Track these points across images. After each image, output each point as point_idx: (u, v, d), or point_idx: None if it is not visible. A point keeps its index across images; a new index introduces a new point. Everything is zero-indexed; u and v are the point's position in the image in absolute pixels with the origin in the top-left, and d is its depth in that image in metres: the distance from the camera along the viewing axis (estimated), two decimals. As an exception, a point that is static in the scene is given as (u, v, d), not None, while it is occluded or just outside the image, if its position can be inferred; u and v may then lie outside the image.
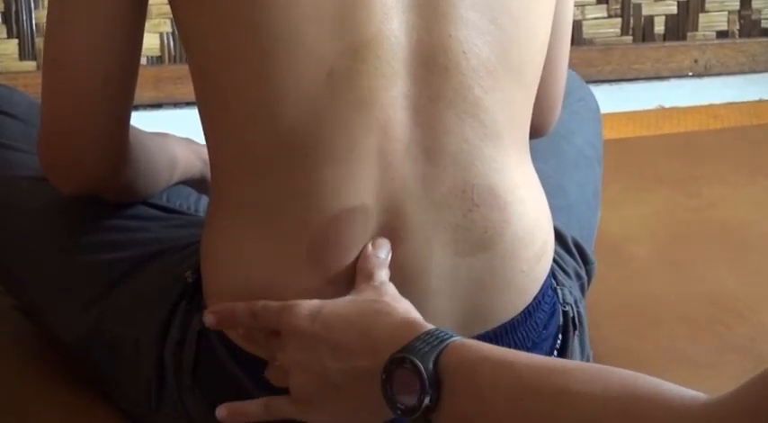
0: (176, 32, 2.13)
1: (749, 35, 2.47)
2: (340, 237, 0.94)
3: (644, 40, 2.41)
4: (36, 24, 2.11)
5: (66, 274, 1.18)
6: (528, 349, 1.02)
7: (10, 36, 2.12)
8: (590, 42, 2.38)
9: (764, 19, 2.47)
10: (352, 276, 0.95)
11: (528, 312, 1.02)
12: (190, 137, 1.29)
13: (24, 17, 2.11)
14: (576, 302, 1.13)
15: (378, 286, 0.92)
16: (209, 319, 0.96)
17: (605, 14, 2.39)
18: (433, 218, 0.96)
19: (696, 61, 2.42)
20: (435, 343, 0.83)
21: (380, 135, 0.94)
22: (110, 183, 1.10)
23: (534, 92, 1.03)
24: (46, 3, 2.09)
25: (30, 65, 2.13)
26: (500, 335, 1.00)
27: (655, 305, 1.51)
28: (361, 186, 0.94)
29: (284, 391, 0.93)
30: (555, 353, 1.08)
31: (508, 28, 0.96)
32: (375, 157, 0.94)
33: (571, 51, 1.16)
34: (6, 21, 2.11)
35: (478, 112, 0.96)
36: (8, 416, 1.23)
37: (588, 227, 1.34)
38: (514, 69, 0.97)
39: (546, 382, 0.77)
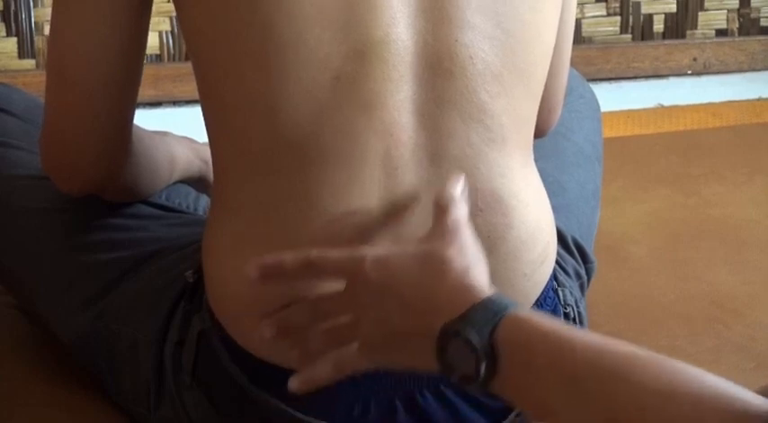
0: (175, 31, 2.13)
1: (748, 34, 2.47)
2: (341, 239, 0.94)
3: (643, 38, 2.41)
4: (35, 23, 2.11)
5: (65, 272, 1.18)
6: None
7: (9, 34, 2.12)
8: (589, 41, 2.38)
9: (763, 17, 2.47)
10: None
11: (529, 314, 1.02)
12: (189, 135, 1.29)
13: (23, 15, 2.10)
14: (576, 303, 1.13)
15: (449, 229, 0.88)
16: (251, 272, 0.90)
17: (604, 13, 2.38)
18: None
19: (695, 60, 2.42)
20: (491, 315, 0.82)
21: (386, 138, 0.94)
22: (111, 182, 1.10)
23: (540, 96, 1.02)
24: (45, 1, 2.09)
25: (29, 63, 2.13)
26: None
27: (654, 304, 1.51)
28: (364, 189, 0.94)
29: (285, 383, 0.93)
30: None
31: (514, 32, 0.96)
32: (380, 160, 0.94)
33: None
34: (5, 19, 2.10)
35: (484, 116, 0.96)
36: (7, 415, 1.23)
37: (588, 225, 1.34)
38: (520, 74, 0.97)
39: (604, 366, 0.76)
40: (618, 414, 0.75)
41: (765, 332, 1.45)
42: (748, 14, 2.46)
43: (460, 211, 0.90)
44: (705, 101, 2.29)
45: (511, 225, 0.99)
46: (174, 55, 2.17)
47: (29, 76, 2.06)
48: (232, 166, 0.98)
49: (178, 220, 1.21)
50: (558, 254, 1.18)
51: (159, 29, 2.14)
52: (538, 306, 1.03)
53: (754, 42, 2.46)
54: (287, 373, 0.92)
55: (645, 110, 2.25)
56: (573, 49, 1.18)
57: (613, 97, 2.25)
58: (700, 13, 2.43)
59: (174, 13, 0.99)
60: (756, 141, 2.10)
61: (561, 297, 1.11)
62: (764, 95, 2.34)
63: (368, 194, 0.94)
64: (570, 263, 1.23)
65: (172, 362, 1.07)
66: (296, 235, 0.95)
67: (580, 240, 1.27)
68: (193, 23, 0.95)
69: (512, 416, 1.02)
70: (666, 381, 0.74)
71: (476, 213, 0.96)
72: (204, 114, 1.00)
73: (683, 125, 2.19)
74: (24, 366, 1.29)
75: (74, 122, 1.04)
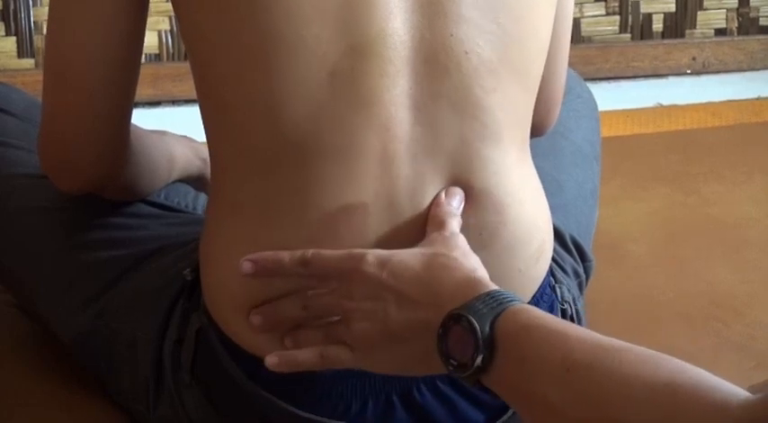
0: (174, 30, 2.14)
1: (747, 33, 2.47)
2: (338, 234, 0.94)
3: (642, 37, 2.41)
4: (34, 22, 2.11)
5: (64, 271, 1.18)
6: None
7: (8, 34, 2.12)
8: (588, 40, 2.38)
9: (763, 17, 2.47)
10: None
11: (526, 310, 1.02)
12: (188, 134, 1.29)
13: (23, 15, 2.10)
14: (574, 300, 1.13)
15: (448, 237, 0.92)
16: (246, 266, 0.93)
17: (604, 12, 2.39)
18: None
19: (694, 59, 2.42)
20: (495, 305, 0.84)
21: (383, 134, 0.94)
22: (109, 181, 1.10)
23: (536, 92, 1.02)
24: (44, 0, 2.09)
25: (28, 62, 2.13)
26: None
27: (653, 303, 1.51)
28: (361, 185, 0.94)
29: (284, 382, 0.93)
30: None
31: (510, 28, 0.96)
32: (377, 155, 0.94)
33: (569, 49, 1.16)
34: (5, 18, 2.11)
35: (478, 112, 0.96)
36: (7, 415, 1.23)
37: (586, 224, 1.34)
38: (516, 69, 0.97)
39: (596, 358, 0.78)
40: (607, 406, 0.76)
41: (765, 331, 1.45)
42: (747, 14, 2.46)
43: (456, 225, 0.93)
44: (704, 100, 2.29)
45: (505, 222, 0.99)
46: (172, 54, 2.17)
47: (28, 75, 2.06)
48: (231, 165, 0.98)
49: (177, 219, 1.21)
50: (556, 252, 1.18)
51: (158, 28, 2.14)
52: (534, 302, 1.03)
53: (754, 42, 2.46)
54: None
55: (644, 109, 2.25)
56: (572, 49, 1.18)
57: (613, 97, 2.25)
58: (699, 13, 2.43)
59: (173, 13, 0.99)
60: (755, 140, 2.10)
61: (558, 294, 1.11)
62: (763, 95, 2.34)
63: (364, 190, 0.94)
64: (568, 261, 1.23)
65: (171, 360, 1.07)
66: (293, 232, 0.95)
67: (578, 239, 1.27)
68: (192, 23, 0.96)
69: (509, 412, 1.02)
70: (650, 373, 0.75)
71: (468, 213, 0.96)
72: (202, 114, 1.00)
73: (682, 124, 2.19)
74: (24, 366, 1.29)
75: (74, 122, 1.04)
